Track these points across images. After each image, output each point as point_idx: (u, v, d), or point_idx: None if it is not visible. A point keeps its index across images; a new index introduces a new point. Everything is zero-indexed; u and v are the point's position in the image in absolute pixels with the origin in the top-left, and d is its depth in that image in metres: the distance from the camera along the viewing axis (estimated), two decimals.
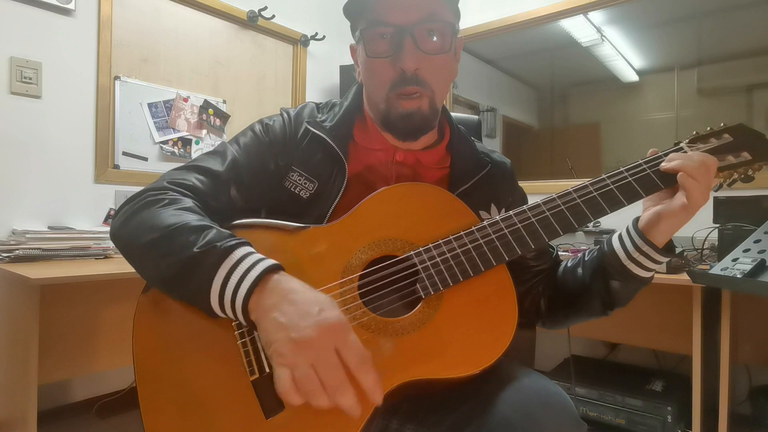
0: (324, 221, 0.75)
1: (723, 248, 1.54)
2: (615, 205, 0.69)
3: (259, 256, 0.61)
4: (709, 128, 0.75)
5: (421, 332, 0.64)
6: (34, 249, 1.67)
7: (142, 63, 2.21)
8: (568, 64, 2.64)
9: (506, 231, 0.69)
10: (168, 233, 0.63)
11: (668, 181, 0.68)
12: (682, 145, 0.73)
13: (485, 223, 0.70)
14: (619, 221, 0.76)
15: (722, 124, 0.75)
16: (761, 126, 2.03)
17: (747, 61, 2.09)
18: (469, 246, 0.68)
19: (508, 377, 0.64)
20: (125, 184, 2.11)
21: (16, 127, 1.83)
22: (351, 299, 0.66)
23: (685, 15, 2.26)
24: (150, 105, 2.23)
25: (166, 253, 0.62)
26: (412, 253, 0.68)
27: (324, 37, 2.86)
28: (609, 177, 0.70)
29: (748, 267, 1.03)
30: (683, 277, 1.49)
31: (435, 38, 0.74)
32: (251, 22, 2.58)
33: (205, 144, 2.42)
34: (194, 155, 2.36)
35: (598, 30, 2.50)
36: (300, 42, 2.82)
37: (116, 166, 2.11)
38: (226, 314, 0.60)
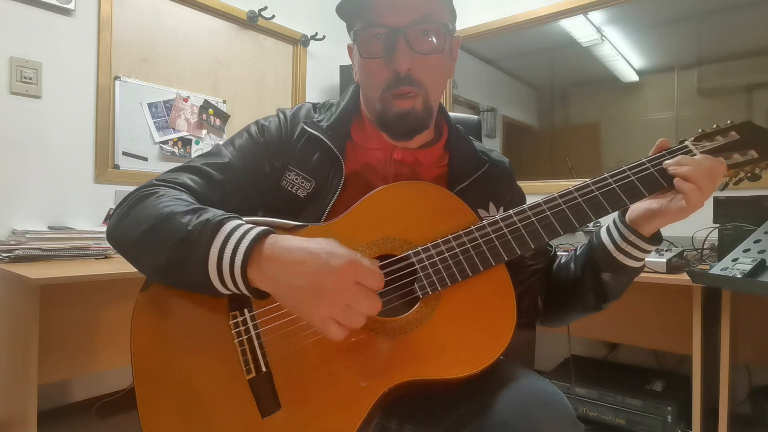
0: (321, 220, 0.75)
1: (723, 248, 1.54)
2: (617, 204, 0.68)
3: (248, 226, 0.62)
4: (715, 125, 0.74)
5: (419, 332, 0.64)
6: (34, 249, 1.67)
7: (142, 63, 2.21)
8: (568, 64, 2.64)
9: (506, 230, 0.68)
10: (161, 220, 0.64)
11: (671, 180, 0.67)
12: (687, 143, 0.72)
13: (485, 222, 0.69)
14: None
15: (729, 122, 0.73)
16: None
17: (747, 61, 2.09)
18: (468, 246, 0.68)
19: (506, 378, 0.64)
20: (125, 184, 2.11)
21: (16, 127, 1.83)
22: None
23: (685, 15, 2.26)
24: (150, 105, 2.23)
25: (162, 240, 0.62)
26: (410, 252, 0.68)
27: (324, 37, 2.86)
28: (611, 176, 0.70)
29: (748, 267, 1.03)
30: (683, 277, 1.49)
31: (428, 39, 0.74)
32: (251, 22, 2.58)
33: (205, 144, 2.42)
34: (194, 155, 2.36)
35: (598, 30, 2.50)
36: (300, 42, 2.82)
37: (116, 166, 2.11)
38: (228, 288, 0.61)
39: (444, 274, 0.66)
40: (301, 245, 0.59)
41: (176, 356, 0.63)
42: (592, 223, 1.91)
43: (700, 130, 0.74)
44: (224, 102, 2.51)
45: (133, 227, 0.66)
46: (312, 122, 0.82)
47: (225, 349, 0.63)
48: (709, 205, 1.65)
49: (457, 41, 0.81)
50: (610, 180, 0.69)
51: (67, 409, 1.99)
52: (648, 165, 0.69)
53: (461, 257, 0.67)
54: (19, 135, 1.84)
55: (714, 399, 1.59)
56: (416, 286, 0.66)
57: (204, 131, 2.42)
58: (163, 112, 2.27)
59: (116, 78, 2.11)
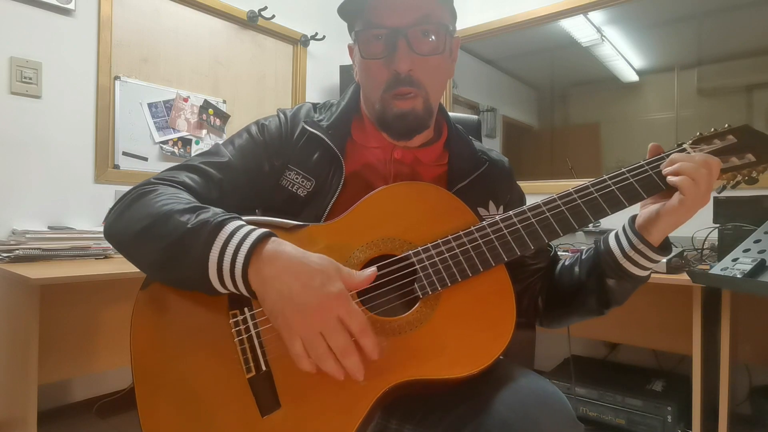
0: (322, 219, 0.76)
1: (723, 248, 1.54)
2: (616, 206, 0.68)
3: (251, 226, 0.62)
4: (713, 129, 0.74)
5: (418, 332, 0.64)
6: (34, 249, 1.67)
7: (142, 63, 2.21)
8: (568, 64, 2.64)
9: (505, 231, 0.69)
10: (160, 218, 0.64)
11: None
12: (685, 146, 0.73)
13: (484, 223, 0.70)
14: (620, 221, 0.76)
15: (726, 125, 0.74)
16: (761, 126, 2.03)
17: (747, 61, 2.09)
18: (468, 246, 0.68)
19: (506, 378, 0.64)
20: (125, 184, 2.10)
21: (16, 127, 1.83)
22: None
23: (685, 15, 2.26)
24: (150, 105, 2.23)
25: (161, 236, 0.63)
26: (410, 252, 0.68)
27: (324, 37, 2.86)
28: (610, 178, 0.70)
29: (748, 267, 1.03)
30: (683, 277, 1.49)
31: (429, 39, 0.74)
32: (251, 22, 2.58)
33: (205, 144, 2.42)
34: (193, 155, 2.36)
35: (598, 30, 2.50)
36: (300, 42, 2.82)
37: (116, 166, 2.11)
38: (226, 288, 0.61)
39: (444, 274, 0.66)
40: (302, 257, 0.60)
41: (176, 355, 0.63)
42: (592, 224, 1.91)
43: (698, 134, 0.74)
44: (224, 102, 2.51)
45: (131, 224, 0.66)
46: (312, 122, 0.82)
47: (225, 347, 0.63)
48: (709, 205, 1.65)
49: (457, 41, 0.81)
50: (609, 182, 0.70)
51: (67, 409, 1.99)
52: (646, 167, 0.70)
53: (461, 257, 0.67)
54: (19, 135, 1.84)
55: (714, 399, 1.59)
56: (416, 286, 0.66)
57: (204, 131, 2.42)
58: (163, 112, 2.28)
59: (116, 78, 2.11)
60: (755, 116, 2.07)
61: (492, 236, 0.68)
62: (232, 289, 0.61)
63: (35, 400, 1.40)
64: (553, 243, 0.86)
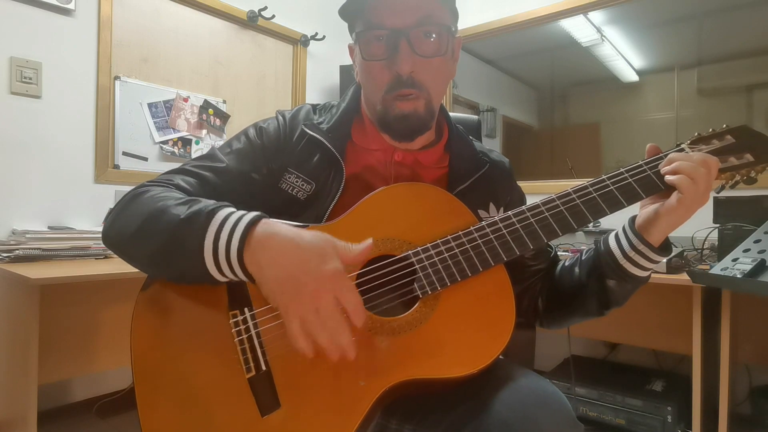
0: (322, 222, 0.75)
1: (723, 248, 1.54)
2: (614, 206, 0.68)
3: (242, 212, 0.62)
4: (711, 129, 0.75)
5: (418, 331, 0.64)
6: (34, 249, 1.67)
7: (142, 63, 2.21)
8: (568, 64, 2.64)
9: (505, 231, 0.69)
10: (154, 213, 0.64)
11: None
12: (683, 146, 0.73)
13: (484, 223, 0.70)
14: (619, 221, 0.76)
15: (725, 126, 0.74)
16: (761, 126, 2.03)
17: (747, 61, 2.09)
18: (468, 246, 0.68)
19: (505, 378, 0.64)
20: (125, 184, 2.11)
21: (16, 127, 1.83)
22: None
23: (685, 15, 2.26)
24: (150, 105, 2.23)
25: (156, 232, 0.63)
26: (410, 252, 0.68)
27: (324, 37, 2.86)
28: (609, 178, 0.70)
29: (748, 267, 1.03)
30: (683, 277, 1.49)
31: (431, 41, 0.74)
32: (251, 22, 2.58)
33: (205, 144, 2.42)
34: (194, 155, 2.37)
35: (598, 30, 2.50)
36: (300, 42, 2.82)
37: (116, 166, 2.11)
38: (225, 275, 0.61)
39: (443, 274, 0.66)
40: (293, 236, 0.60)
41: (176, 355, 0.63)
42: (591, 224, 1.91)
43: (696, 134, 0.74)
44: (224, 102, 2.51)
45: (126, 224, 0.67)
46: (312, 124, 0.82)
47: (225, 347, 0.63)
48: (709, 205, 1.65)
49: (458, 42, 0.81)
50: (608, 182, 0.70)
51: (67, 409, 1.99)
52: (645, 167, 0.70)
53: (460, 257, 0.67)
54: (19, 135, 1.84)
55: (714, 399, 1.59)
56: (416, 285, 0.66)
57: (204, 131, 2.42)
58: (163, 112, 2.28)
59: (116, 78, 2.11)
60: (755, 116, 2.07)
61: (491, 236, 0.68)
62: (231, 276, 0.61)
63: (35, 400, 1.40)
64: (553, 243, 0.86)
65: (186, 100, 2.35)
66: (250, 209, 0.79)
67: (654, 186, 0.68)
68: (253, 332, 0.64)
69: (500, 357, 0.63)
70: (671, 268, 1.56)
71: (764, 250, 1.06)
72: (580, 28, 2.55)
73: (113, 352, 1.73)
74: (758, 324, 1.72)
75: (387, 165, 0.82)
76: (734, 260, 1.08)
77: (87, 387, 2.06)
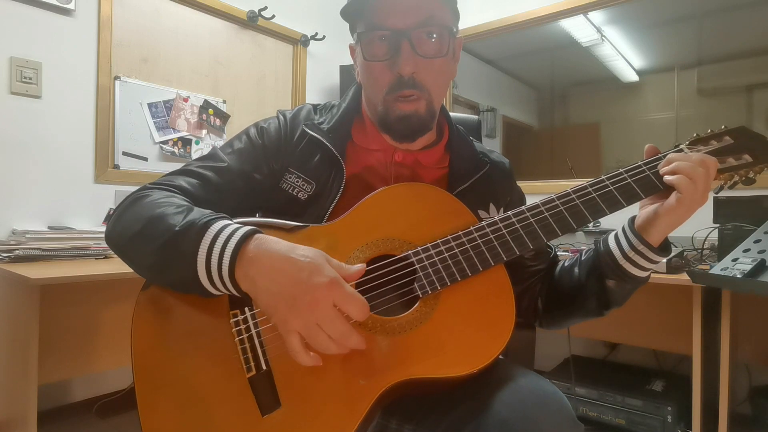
0: (322, 221, 0.75)
1: (723, 248, 1.54)
2: (614, 206, 0.69)
3: (235, 225, 0.62)
4: (709, 130, 0.75)
5: (418, 331, 0.64)
6: (34, 249, 1.67)
7: (142, 63, 2.21)
8: (568, 64, 2.64)
9: (504, 231, 0.69)
10: (151, 221, 0.64)
11: None
12: (682, 146, 0.73)
13: (483, 223, 0.70)
14: (619, 221, 0.76)
15: (723, 126, 0.74)
16: (761, 126, 2.03)
17: (747, 61, 2.09)
18: (468, 246, 0.68)
19: (505, 378, 0.64)
20: (125, 184, 2.11)
21: (16, 127, 1.83)
22: None
23: (685, 15, 2.26)
24: (150, 105, 2.23)
25: (152, 239, 0.63)
26: (410, 252, 0.68)
27: (324, 37, 2.86)
28: (608, 178, 0.70)
29: (748, 267, 1.03)
30: (683, 277, 1.49)
31: (432, 42, 0.74)
32: (251, 22, 2.58)
33: (205, 144, 2.42)
34: (194, 155, 2.37)
35: (598, 30, 2.50)
36: (300, 42, 2.82)
37: (116, 166, 2.11)
38: (218, 290, 0.61)
39: (443, 273, 0.66)
40: (286, 251, 0.59)
41: (176, 355, 0.63)
42: (591, 224, 1.92)
43: (695, 135, 0.74)
44: (224, 102, 2.51)
45: (126, 229, 0.67)
46: (313, 124, 0.82)
47: (225, 347, 0.63)
48: (709, 205, 1.65)
49: (459, 42, 0.81)
50: (607, 182, 0.70)
51: (67, 409, 1.99)
52: (644, 168, 0.70)
53: (460, 257, 0.67)
54: (19, 135, 1.84)
55: (714, 399, 1.59)
56: (416, 285, 0.66)
57: (204, 131, 2.42)
58: (163, 112, 2.28)
59: (116, 78, 2.11)
60: (755, 116, 2.07)
61: (491, 236, 0.68)
62: (224, 290, 0.61)
63: (35, 400, 1.40)
64: (553, 243, 0.86)
65: (186, 100, 2.35)
66: (251, 209, 0.80)
67: (653, 186, 0.69)
68: (253, 332, 0.64)
69: (500, 357, 0.63)
70: (671, 268, 1.56)
71: (764, 250, 1.06)
72: (580, 28, 2.55)
73: (113, 352, 1.73)
74: (758, 324, 1.72)
75: (387, 165, 0.82)
76: (734, 260, 1.08)
77: (87, 387, 2.06)
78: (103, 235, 1.81)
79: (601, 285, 0.76)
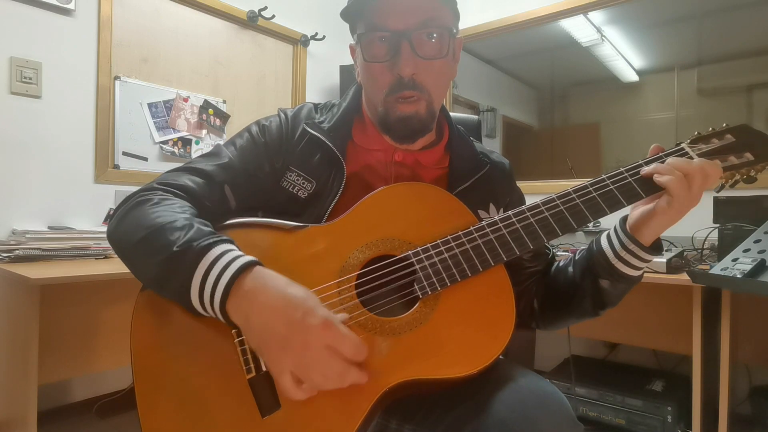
0: (322, 221, 0.75)
1: (723, 248, 1.54)
2: (615, 205, 0.68)
3: (234, 253, 0.61)
4: (711, 128, 0.75)
5: (418, 332, 0.64)
6: (34, 249, 1.67)
7: (142, 63, 2.21)
8: (568, 64, 2.64)
9: (504, 231, 0.69)
10: (153, 232, 0.63)
11: None
12: (683, 145, 0.73)
13: (483, 223, 0.70)
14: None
15: (725, 125, 0.74)
16: (761, 126, 2.03)
17: (747, 61, 2.09)
18: (467, 246, 0.68)
19: (505, 378, 0.64)
20: (125, 184, 2.11)
21: (16, 127, 1.83)
22: (348, 298, 0.66)
23: (685, 15, 2.26)
24: (150, 105, 2.23)
25: (151, 253, 0.63)
26: (410, 252, 0.68)
27: (324, 37, 2.86)
28: (609, 177, 0.70)
29: (748, 267, 1.03)
30: (683, 277, 1.49)
31: (432, 43, 0.74)
32: (251, 22, 2.58)
33: (205, 144, 2.42)
34: (194, 155, 2.37)
35: (598, 30, 2.50)
36: (300, 42, 2.82)
37: (116, 166, 2.11)
38: (209, 315, 0.61)
39: (443, 274, 0.66)
40: (282, 290, 0.59)
41: (176, 355, 0.63)
42: (591, 224, 1.92)
43: (696, 133, 0.74)
44: (224, 102, 2.51)
45: (128, 233, 0.66)
46: (313, 123, 0.82)
47: (225, 348, 0.63)
48: (709, 205, 1.65)
49: (459, 42, 0.81)
50: (608, 182, 0.70)
51: (67, 409, 1.99)
52: (645, 167, 0.70)
53: (460, 258, 0.67)
54: (19, 135, 1.84)
55: (714, 399, 1.59)
56: (416, 286, 0.66)
57: (204, 131, 2.42)
58: (163, 112, 2.28)
59: (116, 78, 2.11)
60: (755, 116, 2.07)
61: (491, 236, 0.68)
62: (213, 317, 0.61)
63: (35, 400, 1.39)
64: (553, 243, 0.86)
65: (186, 100, 2.35)
66: (253, 208, 0.80)
67: (654, 186, 0.68)
68: None
69: (500, 357, 0.63)
70: (671, 268, 1.56)
71: (764, 250, 1.06)
72: (580, 28, 2.54)
73: (113, 352, 1.73)
74: (758, 324, 1.72)
75: (387, 165, 0.82)
76: (734, 260, 1.08)
77: (87, 387, 2.06)
78: (103, 235, 1.83)
79: (594, 285, 0.76)
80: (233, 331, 0.63)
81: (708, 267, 1.33)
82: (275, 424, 0.60)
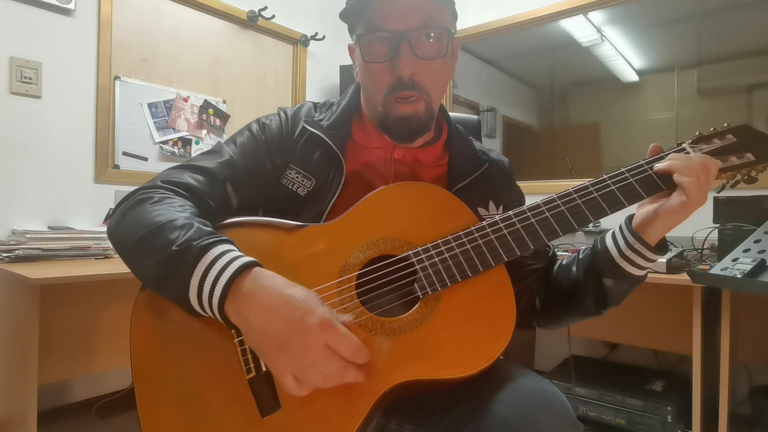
0: (322, 219, 0.76)
1: (723, 248, 1.54)
2: (615, 205, 0.68)
3: (234, 254, 0.61)
4: (712, 129, 0.75)
5: (418, 332, 0.64)
6: (34, 249, 1.67)
7: (142, 63, 2.21)
8: (568, 64, 2.64)
9: (505, 231, 0.69)
10: (152, 231, 0.63)
11: (669, 182, 0.67)
12: (684, 145, 0.73)
13: (484, 223, 0.70)
14: (620, 221, 0.76)
15: (726, 125, 0.74)
16: (761, 126, 2.03)
17: (747, 61, 2.09)
18: (468, 246, 0.68)
19: (505, 378, 0.64)
20: (125, 184, 2.11)
21: (16, 127, 1.83)
22: (348, 298, 0.66)
23: (685, 15, 2.26)
24: (150, 105, 2.23)
25: (150, 252, 0.62)
26: (410, 252, 0.68)
27: (324, 37, 2.86)
28: (610, 177, 0.70)
29: (748, 267, 1.03)
30: (683, 277, 1.49)
31: (431, 43, 0.74)
32: (251, 22, 2.58)
33: (205, 144, 2.42)
34: (194, 155, 2.36)
35: (598, 30, 2.50)
36: (300, 42, 2.82)
37: (116, 166, 2.11)
38: (208, 315, 0.61)
39: (444, 274, 0.66)
40: (281, 291, 0.58)
41: (176, 355, 0.63)
42: (591, 224, 1.92)
43: (697, 133, 0.74)
44: (224, 102, 2.51)
45: (129, 231, 0.66)
46: (313, 121, 0.82)
47: (225, 348, 0.63)
48: (709, 205, 1.65)
49: (458, 42, 0.81)
50: (609, 182, 0.70)
51: (67, 409, 1.99)
52: (646, 167, 0.70)
53: (461, 258, 0.67)
54: (19, 135, 1.84)
55: (714, 399, 1.59)
56: (416, 286, 0.66)
57: (204, 131, 2.42)
58: (163, 112, 2.27)
59: (116, 78, 2.11)
60: (755, 116, 2.07)
61: (492, 236, 0.68)
62: (212, 317, 0.61)
63: (35, 400, 1.39)
64: (554, 243, 0.86)
65: (186, 100, 2.35)
66: (254, 207, 0.80)
67: (655, 186, 0.68)
68: None
69: (500, 357, 0.63)
70: (671, 268, 1.56)
71: (764, 250, 1.06)
72: (580, 28, 2.54)
73: (113, 352, 1.73)
74: (758, 324, 1.72)
75: (386, 162, 0.82)
76: (734, 260, 1.08)
77: (87, 387, 2.06)
78: (102, 236, 1.83)
79: (598, 284, 0.76)
80: (233, 330, 0.63)
81: (708, 267, 1.33)
82: (275, 425, 0.60)
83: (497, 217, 0.70)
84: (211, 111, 2.44)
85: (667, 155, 0.70)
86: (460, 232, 0.69)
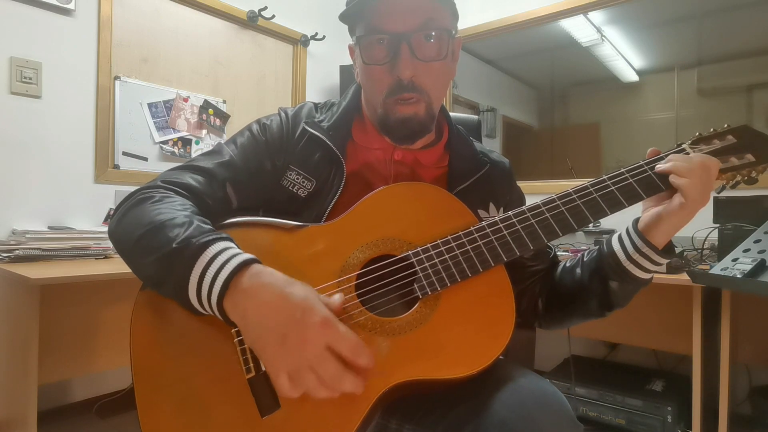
0: (322, 220, 0.76)
1: (723, 248, 1.54)
2: (615, 206, 0.68)
3: (233, 251, 0.61)
4: (712, 129, 0.74)
5: (418, 332, 0.64)
6: (34, 249, 1.67)
7: (142, 63, 2.21)
8: (568, 64, 2.64)
9: (505, 232, 0.69)
10: (152, 229, 0.63)
11: (669, 182, 0.68)
12: (684, 146, 0.73)
13: (484, 223, 0.70)
14: (620, 222, 0.76)
15: (726, 125, 0.74)
16: (761, 126, 2.03)
17: (747, 61, 2.09)
18: (468, 247, 0.68)
19: (505, 378, 0.64)
20: (125, 184, 2.11)
21: (16, 127, 1.83)
22: (348, 299, 0.66)
23: (685, 15, 2.26)
24: (150, 105, 2.23)
25: (150, 249, 0.62)
26: (410, 252, 0.68)
27: (324, 37, 2.86)
28: (609, 178, 0.70)
29: (748, 267, 1.03)
30: (683, 277, 1.49)
31: (431, 45, 0.74)
32: (251, 22, 2.58)
33: (205, 144, 2.42)
34: (194, 155, 2.36)
35: (598, 30, 2.50)
36: (300, 42, 2.82)
37: (116, 166, 2.11)
38: (207, 312, 0.61)
39: (443, 274, 0.66)
40: (281, 287, 0.58)
41: (176, 355, 0.63)
42: (591, 225, 1.92)
43: (697, 134, 0.74)
44: (224, 102, 2.51)
45: (129, 230, 0.66)
46: (313, 122, 0.82)
47: (224, 348, 0.63)
48: (709, 205, 1.65)
49: (458, 42, 0.81)
50: (609, 182, 0.70)
51: (67, 409, 1.99)
52: (645, 167, 0.70)
53: (460, 258, 0.67)
54: (19, 135, 1.84)
55: (714, 399, 1.59)
56: (416, 286, 0.66)
57: (204, 131, 2.42)
58: (163, 112, 2.28)
59: (116, 78, 2.11)
60: (755, 116, 2.07)
61: (491, 237, 0.68)
62: (212, 314, 0.60)
63: (35, 400, 1.39)
64: (554, 243, 0.86)
65: (186, 100, 2.35)
66: (254, 207, 0.80)
67: (655, 186, 0.68)
68: None
69: (500, 357, 0.63)
70: (671, 268, 1.56)
71: (764, 250, 1.06)
72: (580, 28, 2.54)
73: (113, 352, 1.73)
74: (758, 324, 1.72)
75: (387, 164, 0.82)
76: (734, 260, 1.08)
77: (87, 387, 2.06)
78: (103, 235, 1.83)
79: (603, 286, 0.76)
80: (233, 330, 0.63)
81: (708, 267, 1.33)
82: (275, 424, 0.60)
83: (497, 218, 0.70)
84: (211, 111, 2.44)
85: (667, 156, 0.70)
86: (460, 233, 0.69)
